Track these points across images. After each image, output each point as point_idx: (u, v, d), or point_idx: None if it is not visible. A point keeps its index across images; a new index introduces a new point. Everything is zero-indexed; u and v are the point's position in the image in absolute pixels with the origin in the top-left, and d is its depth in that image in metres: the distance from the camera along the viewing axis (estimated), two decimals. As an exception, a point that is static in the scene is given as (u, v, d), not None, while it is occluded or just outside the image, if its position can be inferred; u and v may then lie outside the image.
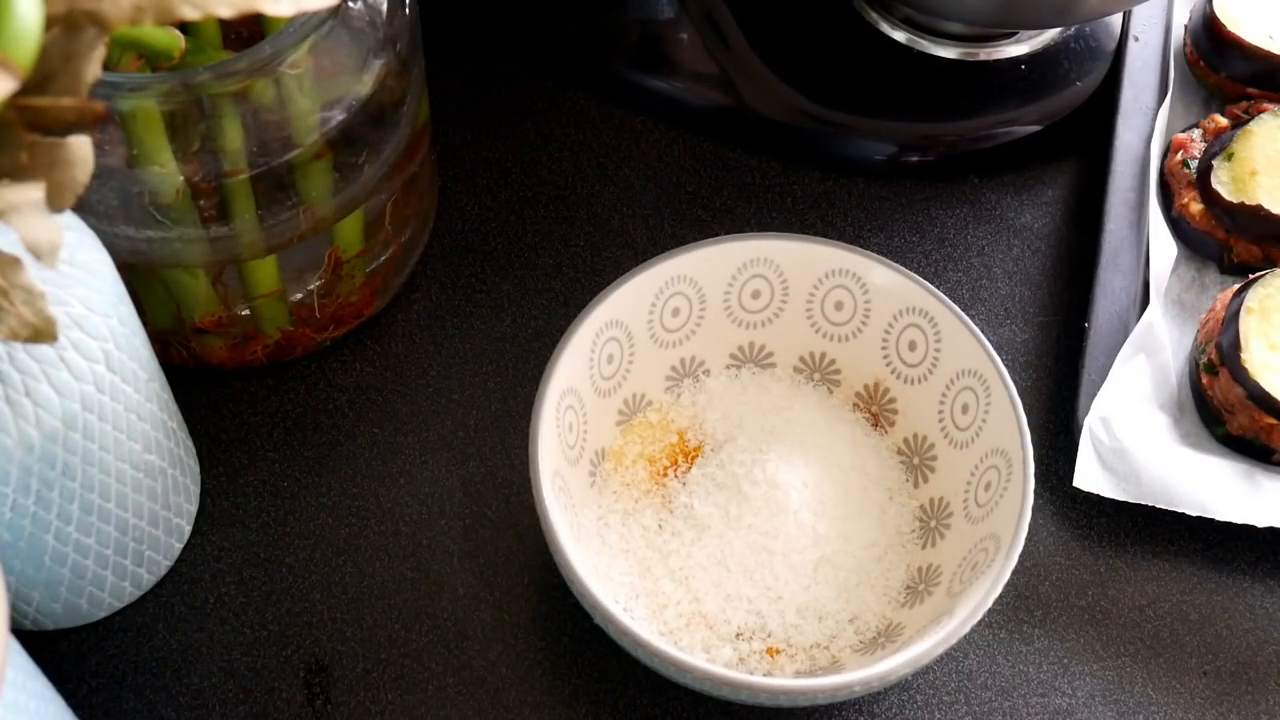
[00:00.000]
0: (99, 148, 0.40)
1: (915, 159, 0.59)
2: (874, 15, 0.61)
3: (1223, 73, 0.58)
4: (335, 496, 0.49)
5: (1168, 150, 0.57)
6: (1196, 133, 0.57)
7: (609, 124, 0.60)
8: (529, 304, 0.54)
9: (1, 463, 0.36)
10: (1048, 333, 0.55)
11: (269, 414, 0.51)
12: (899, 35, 0.60)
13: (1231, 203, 0.53)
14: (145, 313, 0.44)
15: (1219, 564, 0.49)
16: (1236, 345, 0.49)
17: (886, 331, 0.48)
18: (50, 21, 0.28)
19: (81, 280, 0.38)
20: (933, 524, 0.46)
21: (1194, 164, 0.55)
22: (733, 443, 0.48)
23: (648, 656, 0.40)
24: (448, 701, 0.45)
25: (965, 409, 0.46)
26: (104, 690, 0.44)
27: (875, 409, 0.50)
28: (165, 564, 0.46)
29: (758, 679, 0.39)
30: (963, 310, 0.46)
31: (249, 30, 0.46)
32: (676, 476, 0.48)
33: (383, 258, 0.51)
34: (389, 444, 0.50)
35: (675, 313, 0.48)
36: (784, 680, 0.39)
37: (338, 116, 0.44)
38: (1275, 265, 0.53)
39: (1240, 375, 0.48)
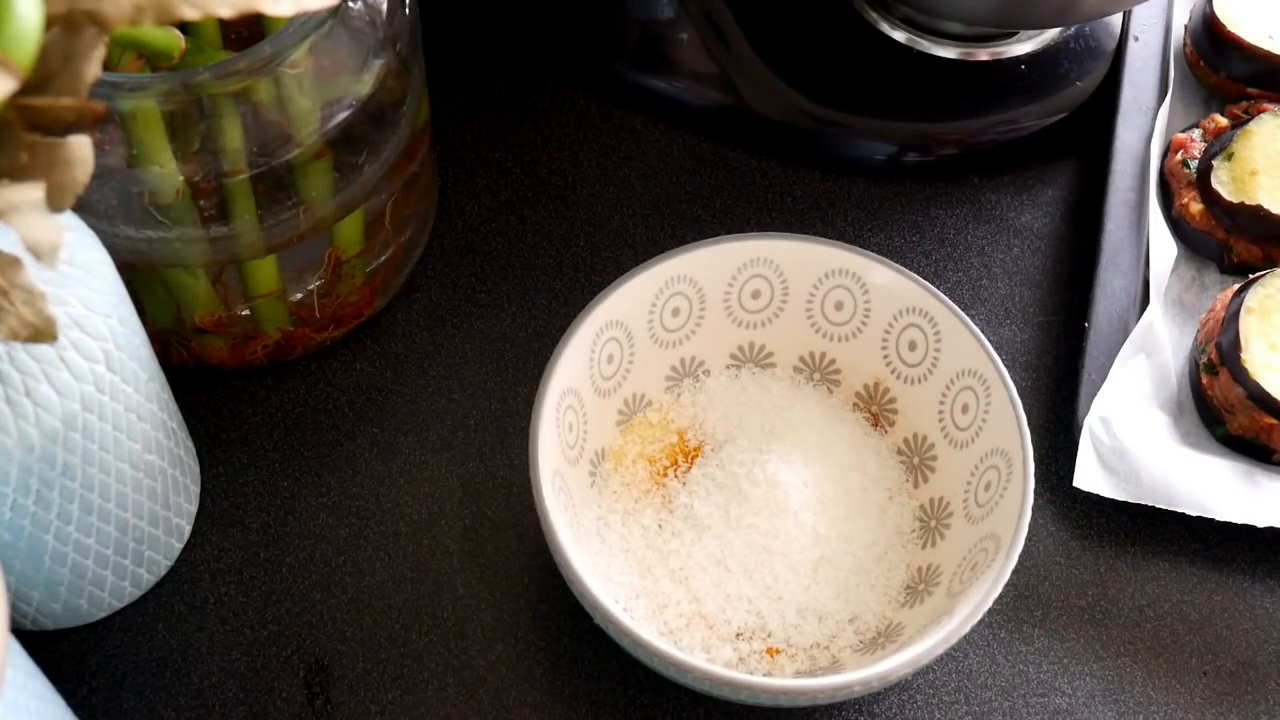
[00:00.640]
0: (99, 148, 0.40)
1: (915, 159, 0.59)
2: (874, 15, 0.61)
3: (1223, 73, 0.58)
4: (335, 496, 0.49)
5: (1168, 150, 0.57)
6: (1196, 133, 0.57)
7: (609, 124, 0.60)
8: (529, 304, 0.54)
9: (1, 463, 0.36)
10: (1048, 333, 0.55)
11: (269, 414, 0.51)
12: (899, 35, 0.60)
13: (1231, 203, 0.53)
14: (145, 313, 0.44)
15: (1219, 564, 0.49)
16: (1236, 345, 0.49)
17: (886, 331, 0.48)
18: (50, 21, 0.27)
19: (81, 280, 0.38)
20: (933, 524, 0.46)
21: (1194, 164, 0.55)
22: (733, 443, 0.48)
23: (648, 656, 0.40)
24: (448, 701, 0.45)
25: (965, 409, 0.46)
26: (104, 690, 0.44)
27: (875, 409, 0.50)
28: (165, 564, 0.46)
29: (758, 679, 0.39)
30: (963, 310, 0.46)
31: (249, 30, 0.45)
32: (676, 476, 0.48)
33: (383, 258, 0.51)
34: (389, 444, 0.50)
35: (675, 313, 0.48)
36: (784, 680, 0.39)
37: (338, 116, 0.44)
38: (1275, 265, 0.53)
39: (1240, 375, 0.48)
